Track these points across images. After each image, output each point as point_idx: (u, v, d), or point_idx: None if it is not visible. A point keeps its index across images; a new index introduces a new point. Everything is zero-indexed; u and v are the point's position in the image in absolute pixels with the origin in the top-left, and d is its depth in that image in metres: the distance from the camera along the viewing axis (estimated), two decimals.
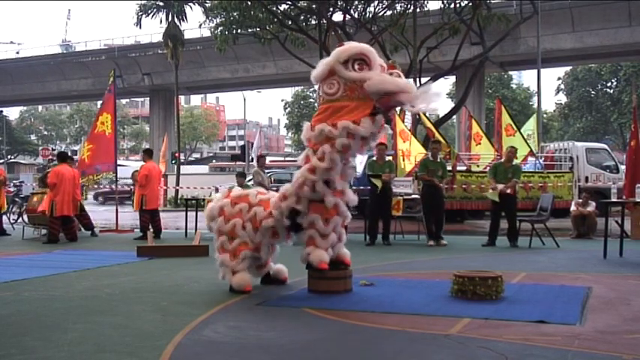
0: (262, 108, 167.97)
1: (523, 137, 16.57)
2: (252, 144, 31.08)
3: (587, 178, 18.23)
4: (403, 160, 14.86)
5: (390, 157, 13.10)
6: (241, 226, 5.74)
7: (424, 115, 18.86)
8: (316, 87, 5.87)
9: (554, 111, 56.20)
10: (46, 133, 72.69)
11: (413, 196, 11.99)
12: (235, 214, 5.81)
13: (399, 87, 5.31)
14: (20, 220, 15.32)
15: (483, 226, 14.36)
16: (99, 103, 15.29)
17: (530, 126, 19.60)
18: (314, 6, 21.73)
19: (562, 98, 52.59)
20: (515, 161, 11.11)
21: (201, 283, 6.38)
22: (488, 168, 16.72)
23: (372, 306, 5.11)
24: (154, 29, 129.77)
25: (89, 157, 13.40)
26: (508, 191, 10.12)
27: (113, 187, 31.45)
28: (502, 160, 10.82)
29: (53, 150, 34.77)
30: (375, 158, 10.98)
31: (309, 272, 5.75)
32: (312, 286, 5.72)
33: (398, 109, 20.45)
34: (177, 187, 27.17)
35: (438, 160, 10.89)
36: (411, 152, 14.97)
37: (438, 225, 10.50)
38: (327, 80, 5.54)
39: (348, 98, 5.41)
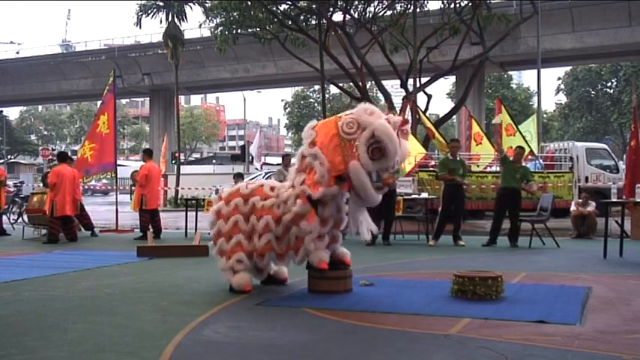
0: (262, 108, 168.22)
1: (523, 137, 16.59)
2: (250, 142, 31.18)
3: (587, 178, 18.24)
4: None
5: None
6: (243, 221, 5.72)
7: (424, 114, 18.90)
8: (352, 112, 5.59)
9: (554, 111, 56.21)
10: (46, 133, 72.73)
11: (413, 196, 11.99)
12: (232, 212, 5.80)
13: (363, 198, 5.39)
14: (20, 220, 15.32)
15: (483, 226, 14.37)
16: (99, 103, 15.28)
17: (530, 127, 19.59)
18: (314, 6, 21.71)
19: (562, 98, 52.71)
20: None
21: (201, 283, 6.38)
22: (488, 168, 16.78)
23: (372, 306, 5.10)
24: (154, 29, 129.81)
25: (92, 157, 13.42)
26: (534, 188, 10.20)
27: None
28: (511, 158, 10.79)
29: (53, 150, 34.76)
30: None
31: (309, 272, 5.75)
32: (312, 286, 5.72)
33: (398, 108, 20.43)
34: (178, 188, 27.20)
35: (458, 158, 10.85)
36: (410, 152, 14.96)
37: (457, 225, 10.48)
38: (355, 120, 5.39)
39: (343, 147, 5.35)
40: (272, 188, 5.84)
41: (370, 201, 5.48)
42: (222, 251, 5.82)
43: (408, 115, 20.41)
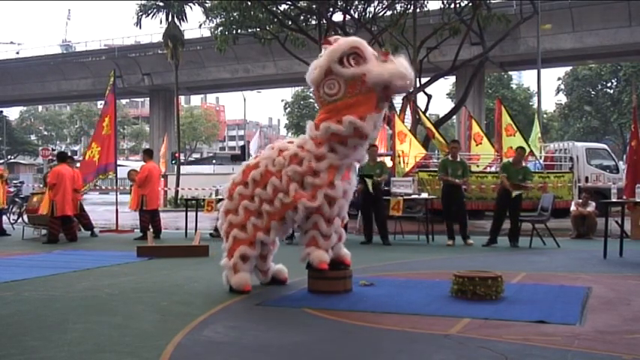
0: (262, 108, 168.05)
1: (523, 137, 16.60)
2: (249, 142, 31.13)
3: (587, 179, 18.25)
4: (403, 160, 14.91)
5: (382, 158, 13.18)
6: (250, 203, 5.65)
7: (424, 114, 18.91)
8: (312, 89, 5.81)
9: (554, 111, 56.21)
10: (46, 133, 72.68)
11: (413, 196, 11.98)
12: (239, 201, 5.74)
13: (399, 74, 5.30)
14: (20, 220, 15.32)
15: (483, 226, 14.36)
16: (99, 103, 15.31)
17: (538, 129, 19.63)
18: (314, 6, 21.73)
19: (562, 98, 52.65)
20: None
21: (201, 283, 6.38)
22: (488, 168, 16.78)
23: (371, 306, 5.10)
24: (154, 29, 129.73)
25: (99, 160, 13.46)
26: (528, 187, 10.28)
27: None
28: (511, 160, 10.81)
29: (53, 150, 34.79)
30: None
31: (309, 272, 5.75)
32: (312, 286, 5.72)
33: (398, 108, 20.46)
34: (178, 188, 27.19)
35: (458, 159, 10.86)
36: (410, 153, 15.06)
37: (462, 225, 10.49)
38: (325, 81, 5.50)
39: (351, 95, 5.39)
40: (255, 157, 5.97)
41: (396, 72, 5.32)
42: (240, 241, 5.67)
43: (408, 115, 20.47)
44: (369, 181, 10.51)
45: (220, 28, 22.88)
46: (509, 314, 4.71)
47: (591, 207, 11.88)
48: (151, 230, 11.53)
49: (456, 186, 10.51)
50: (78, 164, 14.98)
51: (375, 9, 22.84)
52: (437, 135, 17.23)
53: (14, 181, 29.59)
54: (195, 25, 73.39)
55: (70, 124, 71.50)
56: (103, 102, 14.46)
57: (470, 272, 5.56)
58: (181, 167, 30.79)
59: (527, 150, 16.24)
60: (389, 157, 15.77)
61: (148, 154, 12.93)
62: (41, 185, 16.01)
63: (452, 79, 39.11)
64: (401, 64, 5.35)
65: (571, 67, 47.95)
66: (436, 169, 15.10)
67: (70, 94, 44.65)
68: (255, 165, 5.78)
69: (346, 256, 5.83)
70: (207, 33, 30.85)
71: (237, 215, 5.72)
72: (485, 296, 5.23)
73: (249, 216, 5.67)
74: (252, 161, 5.95)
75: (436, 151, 20.53)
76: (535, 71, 24.68)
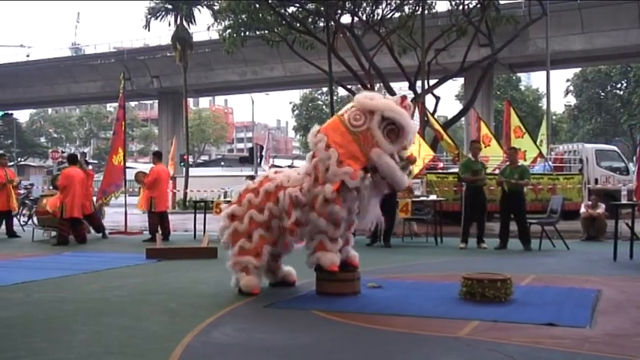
0: (270, 110, 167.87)
1: (532, 139, 16.55)
2: (262, 147, 31.20)
3: (596, 180, 18.15)
4: None
5: None
6: (257, 214, 5.67)
7: (432, 116, 18.87)
8: (350, 106, 5.66)
9: (563, 113, 55.94)
10: (55, 135, 73.10)
11: (421, 197, 11.96)
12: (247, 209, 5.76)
13: (393, 182, 5.37)
14: (30, 222, 15.40)
15: (491, 228, 14.31)
16: (108, 105, 15.46)
17: (543, 130, 19.60)
18: (322, 8, 21.73)
19: (571, 100, 52.34)
20: (522, 162, 11.01)
21: (209, 285, 6.39)
22: (497, 170, 16.73)
23: (380, 308, 5.09)
24: (162, 32, 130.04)
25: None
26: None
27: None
28: (507, 163, 10.74)
29: (63, 152, 34.98)
30: None
31: (318, 274, 5.74)
32: (321, 289, 5.71)
33: None
34: (186, 190, 27.26)
35: (479, 159, 10.80)
36: (419, 154, 15.00)
37: (480, 227, 10.40)
38: (359, 111, 5.40)
39: (357, 141, 5.33)
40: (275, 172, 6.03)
41: (400, 184, 5.46)
42: (245, 251, 5.70)
43: (417, 118, 20.42)
44: None
45: (229, 31, 22.93)
46: (519, 317, 4.69)
47: (601, 209, 11.81)
48: (160, 232, 11.56)
49: (479, 187, 10.42)
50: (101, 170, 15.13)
51: (383, 11, 22.80)
52: (445, 137, 17.19)
53: (24, 184, 29.77)
54: (204, 27, 73.81)
55: (80, 126, 71.90)
56: (111, 104, 14.62)
57: (479, 274, 5.54)
58: (190, 169, 30.89)
59: (537, 151, 16.24)
60: None
61: (157, 157, 12.99)
62: (50, 187, 16.09)
63: (460, 80, 39.02)
64: (403, 180, 5.41)
65: (580, 69, 47.70)
66: (442, 172, 15.04)
67: (80, 97, 44.87)
68: (272, 180, 5.79)
69: (355, 258, 5.82)
70: (215, 35, 30.87)
71: (244, 224, 5.73)
72: (495, 299, 5.20)
73: (255, 226, 5.68)
74: (271, 174, 5.96)
75: (444, 153, 20.48)
76: (544, 73, 24.57)
